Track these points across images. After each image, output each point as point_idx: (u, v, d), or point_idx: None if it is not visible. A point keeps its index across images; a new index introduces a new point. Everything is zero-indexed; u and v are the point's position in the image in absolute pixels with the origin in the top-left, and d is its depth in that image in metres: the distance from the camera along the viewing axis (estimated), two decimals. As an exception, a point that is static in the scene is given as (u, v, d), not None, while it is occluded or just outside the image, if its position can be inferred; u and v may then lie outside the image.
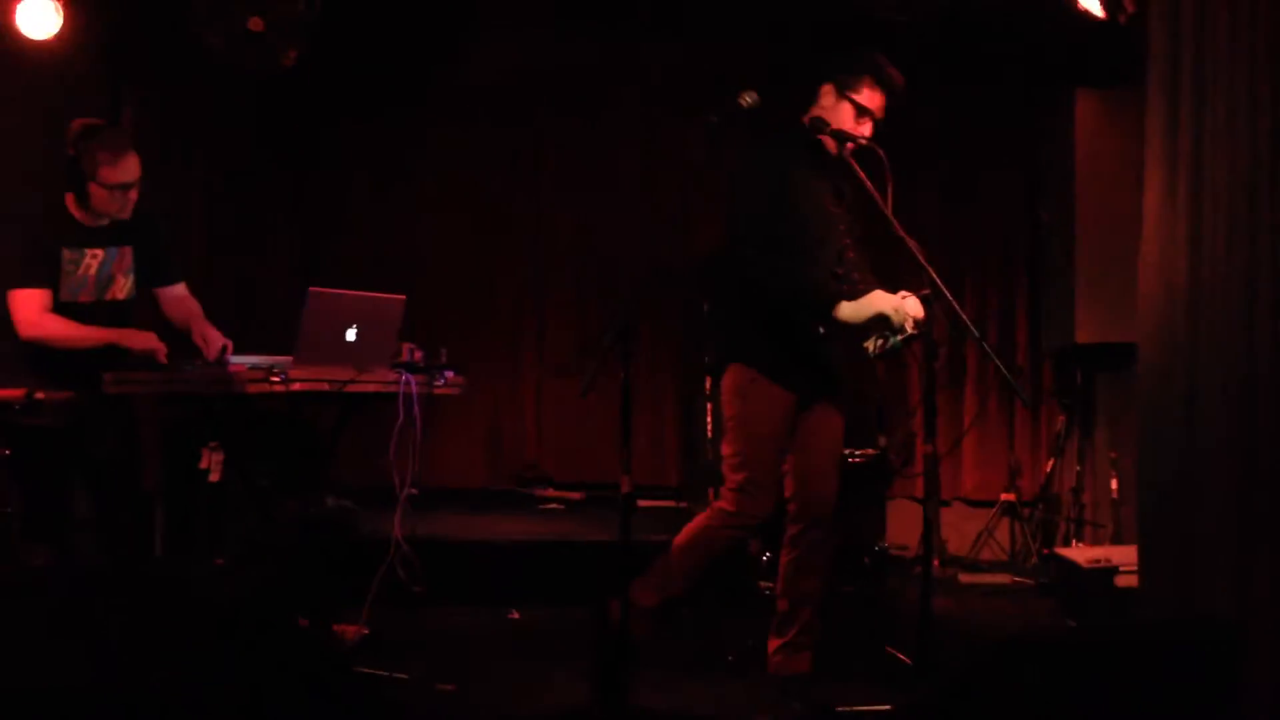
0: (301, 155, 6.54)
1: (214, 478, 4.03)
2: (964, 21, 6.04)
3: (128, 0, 5.67)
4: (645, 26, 6.45)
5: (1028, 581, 5.93)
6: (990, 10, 5.93)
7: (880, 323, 3.56)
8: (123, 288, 4.17)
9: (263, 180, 6.55)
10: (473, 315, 6.69)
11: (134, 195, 4.05)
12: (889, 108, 3.75)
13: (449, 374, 4.08)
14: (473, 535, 5.57)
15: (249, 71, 5.63)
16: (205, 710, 2.72)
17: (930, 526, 3.47)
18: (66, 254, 4.04)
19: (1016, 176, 6.62)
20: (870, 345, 3.61)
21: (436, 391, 4.05)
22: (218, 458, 4.02)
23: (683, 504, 6.28)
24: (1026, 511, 6.46)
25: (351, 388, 3.87)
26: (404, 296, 3.95)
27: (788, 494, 3.81)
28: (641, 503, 6.07)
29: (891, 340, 3.57)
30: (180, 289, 4.31)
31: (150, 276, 4.24)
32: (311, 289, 3.75)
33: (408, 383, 3.93)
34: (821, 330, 3.71)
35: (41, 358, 4.03)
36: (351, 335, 3.81)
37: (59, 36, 5.17)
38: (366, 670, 3.97)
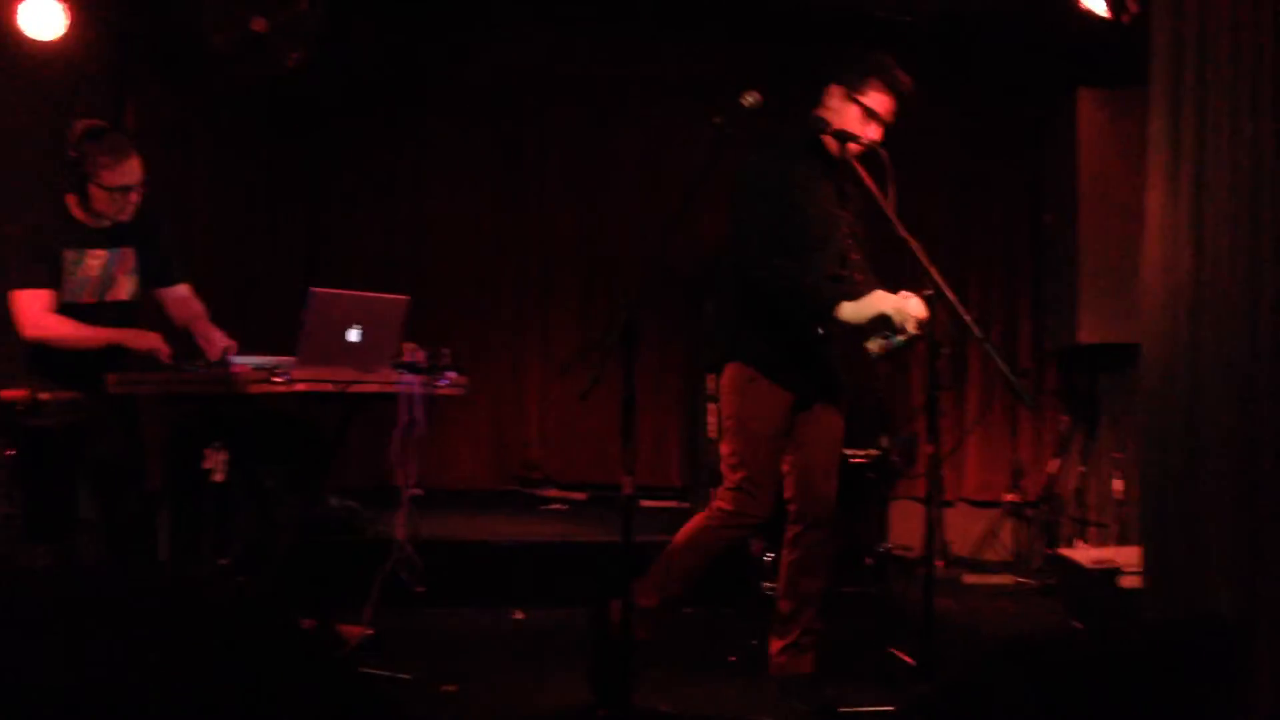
0: (305, 156, 6.55)
1: (218, 478, 4.04)
2: (967, 21, 6.04)
3: (132, 1, 5.67)
4: (649, 26, 6.45)
5: (1031, 582, 5.93)
6: (993, 10, 5.93)
7: (882, 323, 3.55)
8: (125, 288, 4.17)
9: (266, 181, 6.55)
10: (476, 315, 6.70)
11: (134, 197, 4.06)
12: (896, 110, 3.74)
13: (451, 374, 4.08)
14: (476, 536, 5.58)
15: (253, 73, 5.63)
16: (207, 710, 2.71)
17: (932, 527, 3.46)
18: (68, 255, 4.05)
19: (1019, 176, 6.62)
20: (872, 346, 3.61)
21: (439, 392, 4.05)
22: (222, 458, 4.02)
23: (686, 504, 6.29)
24: (1030, 512, 6.45)
25: (354, 388, 3.87)
26: (407, 297, 3.95)
27: (788, 494, 3.80)
28: (644, 503, 6.08)
29: (894, 340, 3.56)
30: (183, 289, 4.31)
31: (153, 277, 4.24)
32: (313, 290, 3.75)
33: (410, 383, 3.93)
34: (820, 331, 3.70)
35: (45, 358, 4.03)
36: (354, 336, 3.81)
37: (63, 38, 5.17)
38: (369, 670, 3.97)
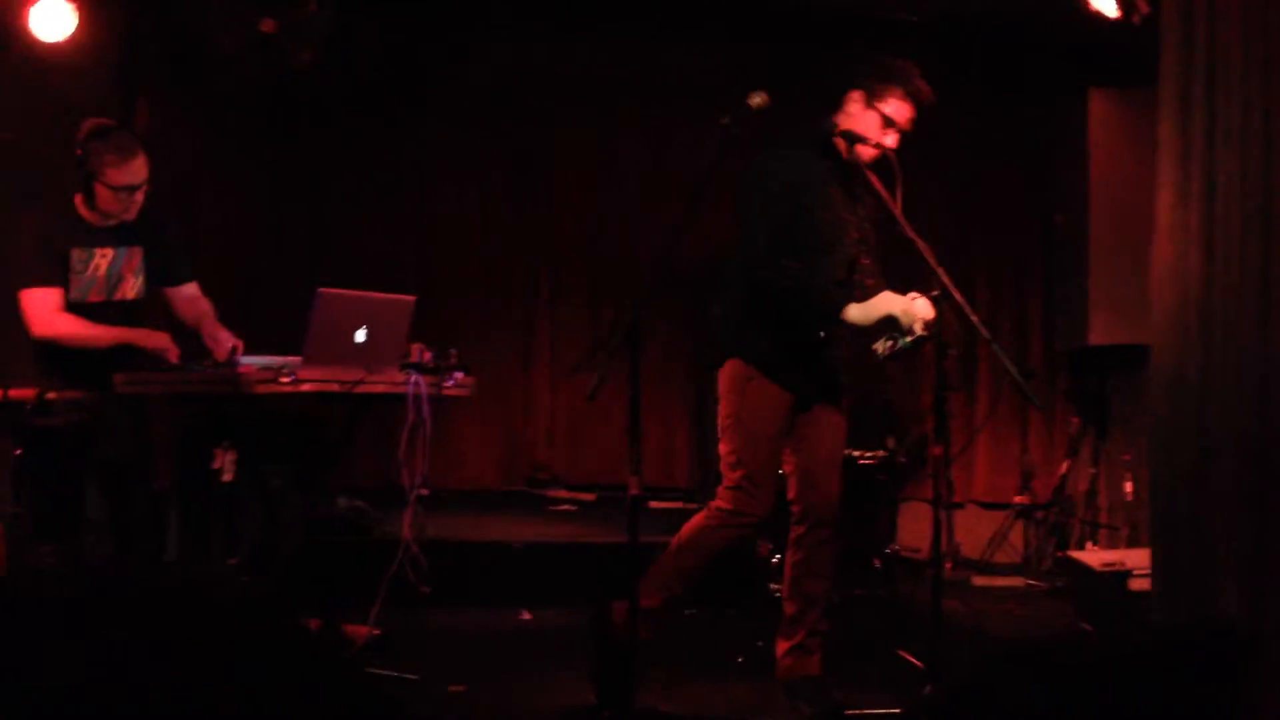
0: (310, 156, 6.55)
1: (227, 478, 4.04)
2: (977, 21, 6.03)
3: (141, 3, 5.69)
4: (651, 26, 6.45)
5: (1041, 585, 5.91)
6: (1003, 10, 5.91)
7: (889, 324, 3.54)
8: (133, 287, 4.18)
9: (272, 181, 6.56)
10: (485, 316, 6.70)
11: (140, 197, 4.06)
12: (915, 120, 3.72)
13: (459, 375, 4.07)
14: (484, 536, 5.57)
15: (261, 74, 5.64)
16: (212, 711, 2.70)
17: (940, 529, 3.44)
18: (76, 254, 4.06)
19: (1029, 177, 6.60)
20: (879, 347, 3.59)
21: (446, 392, 4.05)
22: (230, 458, 4.02)
23: (694, 505, 6.27)
24: (1040, 514, 6.43)
25: (361, 388, 3.87)
26: (414, 297, 3.95)
27: (791, 495, 3.80)
28: (653, 504, 6.07)
29: (901, 342, 3.54)
30: (191, 288, 4.31)
31: (161, 276, 4.25)
32: (320, 290, 3.75)
33: (417, 384, 3.92)
34: (822, 335, 3.69)
35: (53, 357, 4.04)
36: (361, 336, 3.81)
37: (73, 39, 5.18)
38: (376, 671, 3.97)
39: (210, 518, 4.32)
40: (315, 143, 6.52)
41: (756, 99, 3.44)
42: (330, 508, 4.94)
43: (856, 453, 5.11)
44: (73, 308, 4.05)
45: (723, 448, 3.75)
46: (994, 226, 6.68)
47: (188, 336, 4.16)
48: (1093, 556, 5.20)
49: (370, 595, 4.05)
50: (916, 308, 3.52)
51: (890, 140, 3.68)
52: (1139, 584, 4.54)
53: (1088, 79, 5.84)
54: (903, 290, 3.60)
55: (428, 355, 4.02)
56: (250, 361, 3.89)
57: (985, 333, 3.42)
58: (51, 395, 3.92)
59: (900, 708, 3.74)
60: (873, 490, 5.15)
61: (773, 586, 4.72)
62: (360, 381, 3.85)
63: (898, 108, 3.68)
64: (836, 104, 3.75)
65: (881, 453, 5.22)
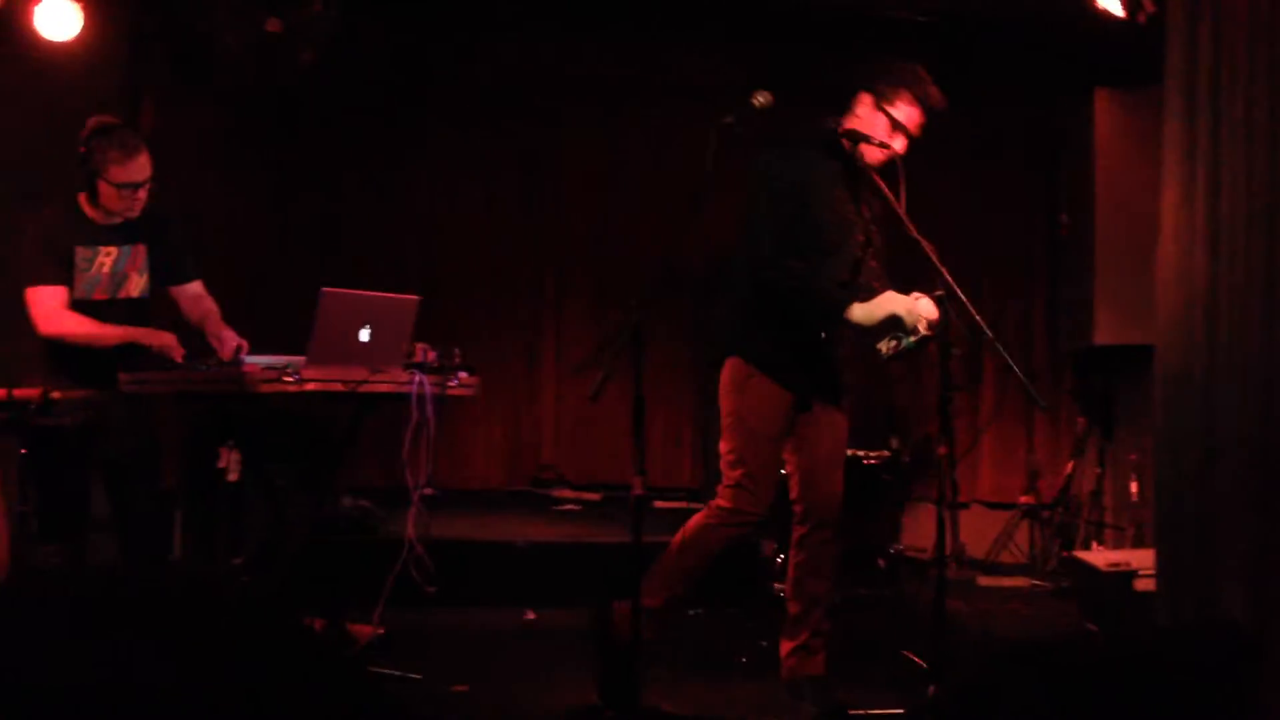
0: (315, 155, 6.56)
1: (232, 477, 4.05)
2: (982, 21, 6.02)
3: (147, 2, 5.69)
4: (656, 27, 6.45)
5: (1046, 585, 5.90)
6: (1008, 10, 5.91)
7: (893, 324, 3.53)
8: (137, 286, 4.17)
9: (280, 180, 6.57)
10: (490, 316, 6.70)
11: (143, 195, 4.06)
12: (924, 125, 3.71)
13: (463, 374, 4.08)
14: (488, 536, 5.57)
15: (267, 73, 5.65)
16: (217, 709, 2.71)
17: (943, 528, 3.44)
18: (80, 252, 4.05)
19: (1035, 177, 6.59)
20: (883, 347, 3.59)
21: (450, 392, 4.05)
22: (236, 457, 4.03)
23: (699, 505, 6.26)
24: (1046, 514, 6.41)
25: (365, 388, 3.87)
26: (418, 297, 3.95)
27: (793, 495, 3.79)
28: (658, 504, 6.07)
29: (905, 342, 3.54)
30: (196, 287, 4.31)
31: (166, 275, 4.24)
32: (324, 289, 3.75)
33: (421, 383, 3.93)
34: (823, 336, 3.69)
35: (58, 356, 4.04)
36: (365, 335, 3.82)
37: (79, 38, 5.19)
38: (379, 670, 3.97)
39: (216, 517, 4.32)
40: (320, 142, 6.53)
41: (760, 98, 3.44)
42: (335, 507, 4.95)
43: (861, 453, 5.10)
44: (77, 306, 4.05)
45: (723, 446, 3.75)
46: (999, 226, 6.67)
47: (194, 336, 4.16)
48: (1098, 557, 5.19)
49: (374, 595, 4.06)
50: (920, 307, 3.52)
51: (898, 144, 3.67)
52: (1144, 585, 4.53)
53: (1093, 79, 5.83)
54: (906, 290, 3.60)
55: (432, 355, 4.02)
56: (255, 361, 3.90)
57: (989, 332, 3.42)
58: (56, 395, 3.92)
59: (904, 708, 3.74)
60: (877, 490, 5.14)
61: (776, 586, 4.72)
62: (364, 381, 3.85)
63: (907, 113, 3.67)
64: (845, 105, 3.74)
65: (885, 453, 5.21)
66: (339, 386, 3.84)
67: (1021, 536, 6.49)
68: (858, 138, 3.65)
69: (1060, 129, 6.26)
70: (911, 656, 4.25)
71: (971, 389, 6.52)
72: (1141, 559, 4.68)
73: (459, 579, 4.70)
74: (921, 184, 3.56)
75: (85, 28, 5.19)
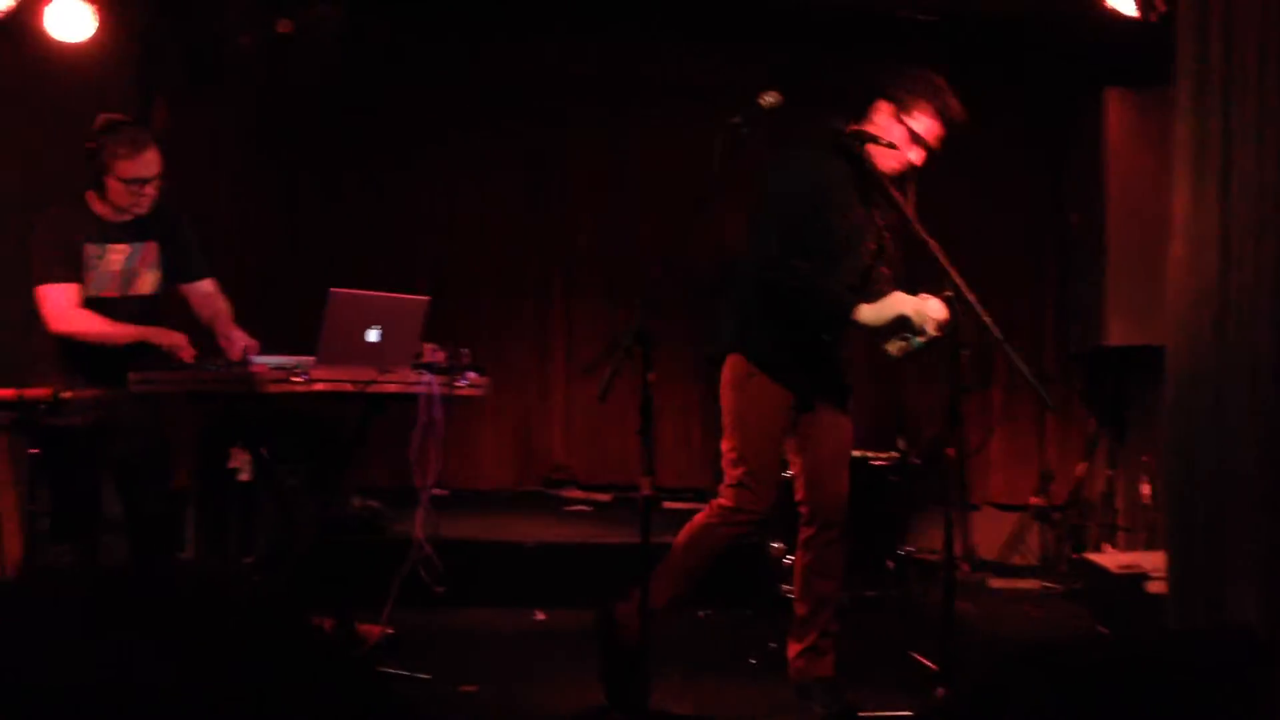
0: (328, 157, 6.57)
1: (244, 477, 4.05)
2: (992, 20, 6.00)
3: (159, 4, 5.71)
4: (662, 27, 6.44)
5: (1057, 587, 5.88)
6: (1019, 9, 5.89)
7: (901, 325, 3.52)
8: (148, 283, 4.18)
9: (286, 181, 6.58)
10: (499, 316, 6.71)
11: (151, 190, 4.06)
12: (944, 138, 3.67)
13: (472, 375, 4.08)
14: (498, 536, 5.58)
15: (277, 74, 5.66)
16: (225, 709, 2.72)
17: (952, 530, 3.43)
18: (90, 249, 4.06)
19: (1045, 177, 6.57)
20: (892, 348, 3.58)
21: (459, 392, 4.05)
22: (247, 457, 4.03)
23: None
24: (1057, 516, 6.39)
25: (374, 388, 3.88)
26: (427, 298, 3.95)
27: (799, 496, 3.79)
28: (667, 504, 6.06)
29: (913, 342, 3.53)
30: (208, 284, 4.31)
31: (177, 272, 4.25)
32: (332, 290, 3.75)
33: (429, 383, 3.93)
34: (826, 338, 3.68)
35: (69, 355, 4.04)
36: (374, 336, 3.82)
37: (91, 40, 5.20)
38: (388, 670, 3.98)
39: (227, 517, 4.33)
40: (328, 143, 6.54)
41: (768, 98, 3.43)
42: (344, 507, 4.95)
43: (870, 454, 5.09)
44: (88, 303, 4.05)
45: (724, 444, 3.75)
46: (1009, 226, 6.65)
47: (205, 335, 4.17)
48: (1110, 559, 5.18)
49: (383, 595, 4.06)
50: (929, 308, 3.50)
51: (916, 156, 3.64)
52: (1156, 587, 4.52)
53: (1104, 79, 5.81)
54: (915, 291, 3.58)
55: (441, 355, 4.02)
56: (264, 361, 3.90)
57: (998, 333, 3.40)
58: (67, 394, 3.93)
59: (913, 710, 3.73)
60: (885, 492, 5.13)
61: (784, 588, 4.71)
62: (373, 381, 3.86)
63: (928, 126, 3.63)
64: (859, 109, 3.71)
65: (894, 454, 5.20)
66: (348, 387, 3.85)
67: (1033, 538, 6.47)
68: (865, 138, 3.63)
69: (1071, 128, 6.24)
70: (920, 658, 4.25)
71: (981, 390, 6.50)
72: (1153, 561, 4.67)
73: (468, 579, 4.70)
74: (928, 183, 3.55)
75: (98, 29, 5.20)
